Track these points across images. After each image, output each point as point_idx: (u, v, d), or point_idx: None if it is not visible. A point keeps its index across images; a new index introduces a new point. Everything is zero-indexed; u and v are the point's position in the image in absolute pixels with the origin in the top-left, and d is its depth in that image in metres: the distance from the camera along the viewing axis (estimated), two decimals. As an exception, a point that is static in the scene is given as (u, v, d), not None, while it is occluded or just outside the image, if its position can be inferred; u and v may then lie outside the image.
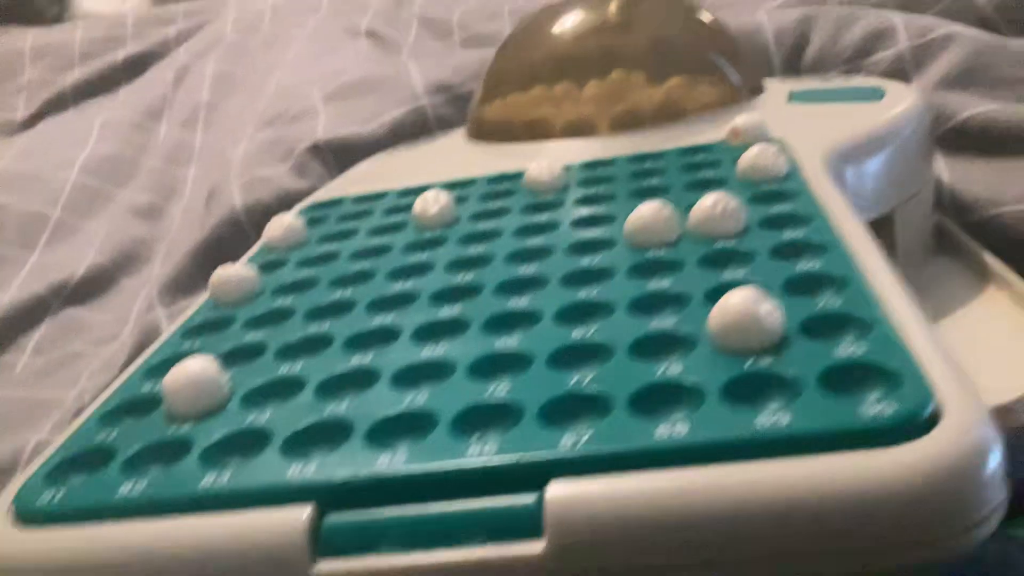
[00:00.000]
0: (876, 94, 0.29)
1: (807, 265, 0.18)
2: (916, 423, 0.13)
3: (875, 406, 0.13)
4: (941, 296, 0.27)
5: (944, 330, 0.25)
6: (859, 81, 0.32)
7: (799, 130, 0.26)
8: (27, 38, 0.75)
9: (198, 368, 0.17)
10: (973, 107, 0.32)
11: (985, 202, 0.29)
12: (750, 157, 0.23)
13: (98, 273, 0.46)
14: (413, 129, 0.41)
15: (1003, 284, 0.26)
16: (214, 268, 0.23)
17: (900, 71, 0.35)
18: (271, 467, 0.15)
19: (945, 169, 0.31)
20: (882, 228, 0.26)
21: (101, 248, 0.47)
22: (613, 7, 0.33)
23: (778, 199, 0.22)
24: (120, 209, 0.51)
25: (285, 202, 0.37)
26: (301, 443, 0.16)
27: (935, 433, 0.13)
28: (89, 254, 0.47)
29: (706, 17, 0.34)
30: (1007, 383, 0.20)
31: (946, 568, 0.13)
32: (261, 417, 0.17)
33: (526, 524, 0.13)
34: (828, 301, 0.17)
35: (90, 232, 0.50)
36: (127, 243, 0.48)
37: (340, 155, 0.40)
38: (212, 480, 0.15)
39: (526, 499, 0.14)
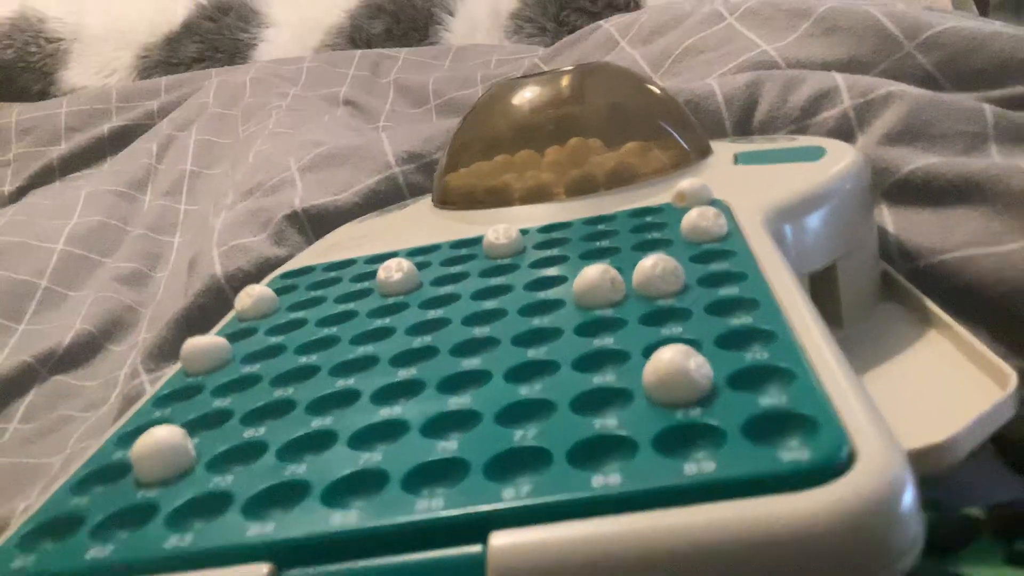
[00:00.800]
0: (817, 154, 0.30)
1: (739, 320, 0.19)
2: (832, 466, 0.14)
3: (794, 451, 0.15)
4: (886, 340, 0.28)
5: (885, 372, 0.26)
6: (802, 141, 0.33)
7: (741, 191, 0.28)
8: (13, 113, 0.76)
9: (164, 436, 0.18)
10: (916, 161, 0.33)
11: (929, 250, 0.31)
12: (692, 218, 0.25)
13: (85, 340, 0.47)
14: (386, 196, 0.42)
15: (944, 328, 0.27)
16: (196, 335, 0.24)
17: (845, 129, 0.36)
18: (232, 527, 0.16)
19: (890, 220, 0.32)
20: (827, 278, 0.28)
21: (87, 316, 0.48)
22: (564, 80, 0.34)
23: (717, 258, 0.23)
24: (106, 277, 0.53)
25: (264, 269, 0.39)
26: (261, 504, 0.17)
27: (849, 475, 0.14)
28: (75, 322, 0.48)
29: (655, 88, 0.35)
30: (945, 422, 0.21)
31: None
32: (224, 480, 0.18)
33: (471, 573, 0.14)
34: (756, 354, 0.18)
35: (77, 300, 0.51)
36: (113, 310, 0.49)
37: (316, 223, 0.41)
38: (176, 541, 0.16)
39: (471, 550, 0.15)
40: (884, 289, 0.31)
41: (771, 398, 0.16)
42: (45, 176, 0.70)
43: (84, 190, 0.61)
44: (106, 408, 0.41)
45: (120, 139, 0.72)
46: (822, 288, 0.27)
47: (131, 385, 0.37)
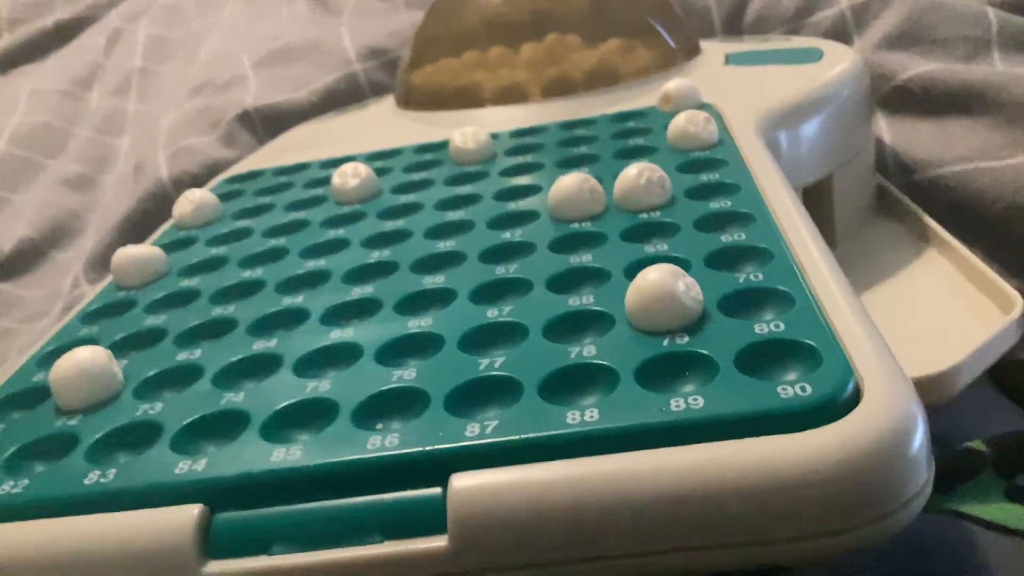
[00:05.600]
0: (813, 55, 0.28)
1: (731, 238, 0.17)
2: (835, 404, 0.12)
3: (793, 387, 0.13)
4: (881, 259, 0.26)
5: (882, 294, 0.24)
6: (798, 42, 0.31)
7: (733, 94, 0.25)
8: (-49, 3, 0.72)
9: (87, 357, 0.16)
10: (914, 67, 0.31)
11: (926, 163, 0.29)
12: (679, 124, 0.22)
13: (27, 247, 0.45)
14: (346, 96, 0.39)
15: (942, 247, 0.26)
16: (141, 242, 0.22)
17: (841, 31, 0.34)
18: (160, 463, 0.14)
19: (886, 130, 0.31)
20: (820, 192, 0.26)
21: (31, 221, 0.46)
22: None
23: (707, 167, 0.21)
24: (50, 180, 0.50)
25: (213, 172, 0.36)
26: (193, 437, 0.15)
27: (855, 414, 0.12)
28: (18, 228, 0.45)
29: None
30: (945, 349, 0.20)
31: (878, 545, 0.12)
32: (153, 409, 0.16)
33: (429, 519, 0.13)
34: (751, 275, 0.16)
35: (19, 205, 0.49)
36: (57, 216, 0.47)
37: (270, 123, 0.39)
38: (97, 478, 0.14)
39: (430, 492, 0.13)
40: (878, 204, 0.29)
41: (768, 326, 0.14)
42: (-15, 71, 0.66)
43: (27, 87, 0.58)
44: (48, 320, 0.39)
45: (66, 32, 0.68)
46: (815, 203, 0.26)
47: (72, 296, 0.35)
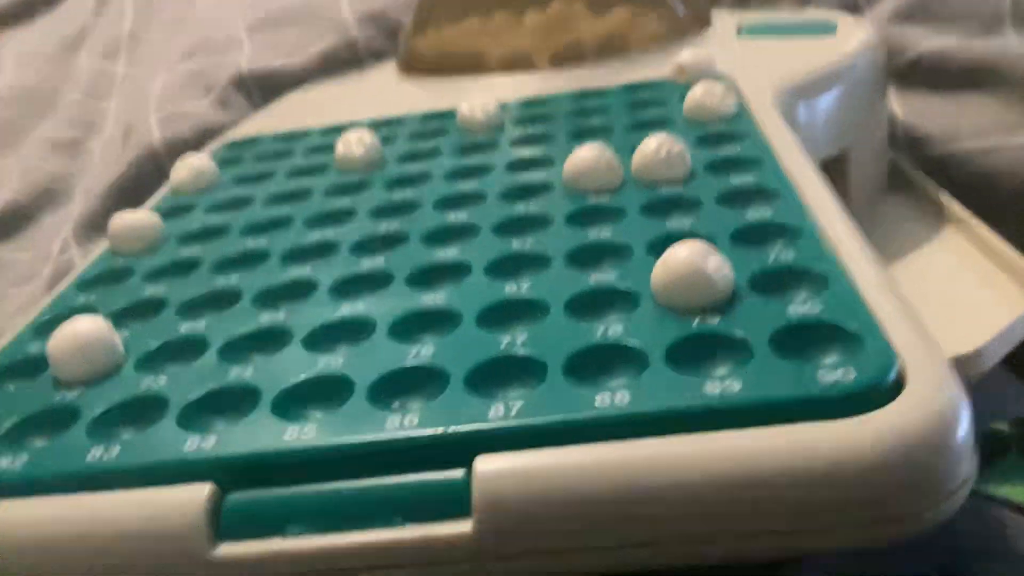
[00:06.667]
0: (828, 28, 0.28)
1: (757, 213, 0.17)
2: (879, 390, 0.12)
3: (834, 371, 0.12)
4: (895, 237, 0.26)
5: (898, 274, 0.24)
6: (811, 14, 0.31)
7: (748, 66, 0.25)
8: (-68, -40, 0.70)
9: (87, 327, 0.16)
10: (927, 42, 0.31)
11: (940, 139, 0.28)
12: (697, 95, 0.22)
13: (14, 210, 0.44)
14: (344, 60, 0.38)
15: (959, 224, 0.25)
16: (132, 207, 0.21)
17: (852, 4, 0.33)
18: (166, 440, 0.14)
19: (899, 105, 0.30)
20: (835, 168, 0.25)
21: (18, 185, 0.45)
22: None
23: (726, 140, 0.20)
24: (37, 143, 0.49)
25: (207, 138, 0.35)
26: (201, 412, 0.14)
27: (900, 401, 0.12)
28: (3, 192, 0.45)
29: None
30: (966, 330, 0.19)
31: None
32: (157, 382, 0.15)
33: (452, 502, 0.12)
34: (780, 253, 0.15)
35: (5, 168, 0.48)
36: (45, 179, 0.46)
37: (265, 88, 0.38)
38: (100, 454, 0.13)
39: (452, 475, 0.12)
40: (891, 180, 0.28)
41: (803, 306, 0.14)
42: (-31, 32, 0.65)
43: (13, 49, 0.57)
44: (38, 283, 0.39)
45: (52, -8, 0.66)
46: (830, 178, 0.25)
47: (61, 260, 0.34)
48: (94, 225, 0.35)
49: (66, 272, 0.33)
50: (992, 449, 0.18)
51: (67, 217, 0.44)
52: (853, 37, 0.27)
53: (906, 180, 0.28)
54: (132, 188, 0.35)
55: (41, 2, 0.67)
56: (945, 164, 0.28)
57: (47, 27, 0.62)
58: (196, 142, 0.35)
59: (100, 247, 0.21)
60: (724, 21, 0.31)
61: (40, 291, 0.36)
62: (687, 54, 0.25)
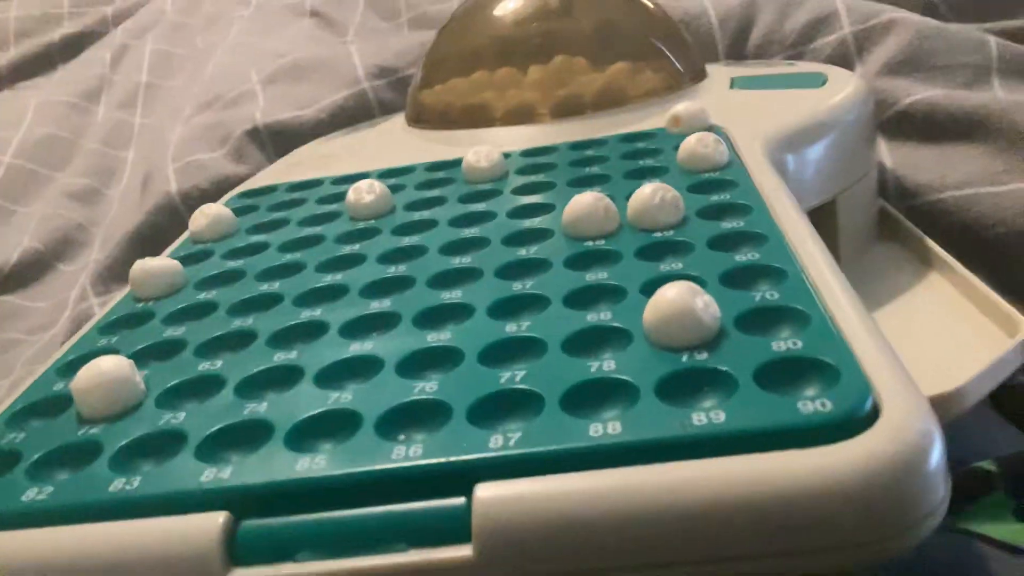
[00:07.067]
0: (818, 80, 0.29)
1: (745, 257, 0.18)
2: (855, 420, 0.13)
3: (813, 402, 0.13)
4: (884, 282, 0.26)
5: (886, 317, 0.24)
6: (802, 67, 0.32)
7: (740, 117, 0.26)
8: (-43, 16, 0.72)
9: (110, 367, 0.17)
10: (916, 93, 0.32)
11: (927, 187, 0.29)
12: (690, 145, 0.23)
13: (33, 259, 0.45)
14: (354, 113, 0.40)
15: (945, 270, 0.26)
16: (150, 254, 0.22)
17: (843, 56, 0.34)
18: (184, 471, 0.14)
19: (888, 154, 0.31)
20: (824, 215, 0.26)
21: (36, 233, 0.46)
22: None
23: (718, 188, 0.21)
24: (56, 192, 0.50)
25: (223, 188, 0.36)
26: (217, 446, 0.15)
27: (875, 430, 0.13)
28: (23, 240, 0.45)
29: (649, 3, 0.33)
30: (949, 371, 0.20)
31: (892, 565, 0.13)
32: (176, 418, 0.16)
33: (453, 528, 0.13)
34: (766, 294, 0.16)
35: (25, 217, 0.49)
36: (63, 227, 0.47)
37: (279, 140, 0.39)
38: (122, 485, 0.14)
39: (454, 502, 0.13)
40: (880, 228, 0.29)
41: (785, 342, 0.15)
42: (-8, 84, 0.66)
43: (33, 100, 0.58)
44: (55, 331, 0.39)
45: (72, 46, 0.68)
46: (819, 225, 0.26)
47: (79, 308, 0.35)
48: (113, 274, 0.36)
49: (85, 320, 0.33)
50: (977, 487, 0.19)
51: (85, 265, 0.45)
52: (842, 89, 0.28)
53: (896, 227, 0.29)
54: (150, 236, 0.36)
55: (61, 54, 0.68)
56: (933, 212, 0.29)
57: (67, 77, 0.63)
58: (212, 192, 0.36)
59: (120, 294, 0.22)
60: (719, 74, 0.32)
61: (58, 339, 0.36)
62: (682, 106, 0.26)
